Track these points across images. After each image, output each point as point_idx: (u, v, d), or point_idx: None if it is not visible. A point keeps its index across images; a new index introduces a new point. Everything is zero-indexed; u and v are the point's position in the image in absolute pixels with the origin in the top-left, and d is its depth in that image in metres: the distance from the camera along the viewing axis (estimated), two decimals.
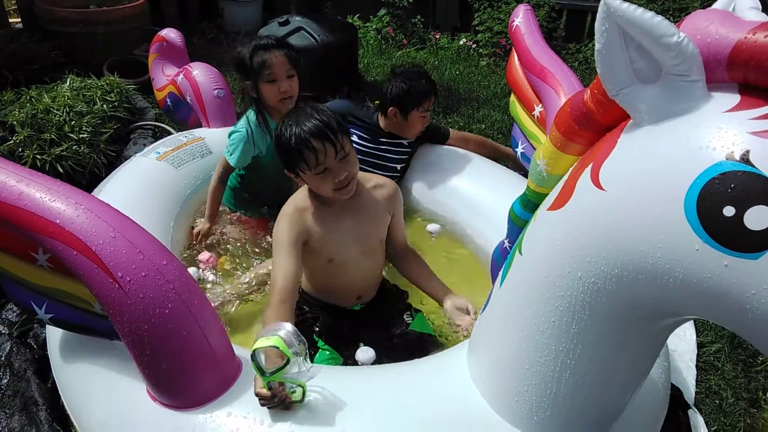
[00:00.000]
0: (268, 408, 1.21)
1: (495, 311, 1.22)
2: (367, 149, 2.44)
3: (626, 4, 0.81)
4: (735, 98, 0.82)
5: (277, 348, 1.15)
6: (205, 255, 2.14)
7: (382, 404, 1.26)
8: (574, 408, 1.14)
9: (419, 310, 1.85)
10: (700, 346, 2.03)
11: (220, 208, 2.30)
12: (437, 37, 5.17)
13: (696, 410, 1.76)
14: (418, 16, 5.20)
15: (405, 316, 1.78)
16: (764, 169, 0.75)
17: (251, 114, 2.16)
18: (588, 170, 0.96)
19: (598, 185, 0.92)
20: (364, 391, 1.30)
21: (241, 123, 2.17)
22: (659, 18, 0.80)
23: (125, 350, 1.25)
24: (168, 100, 2.82)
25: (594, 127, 1.02)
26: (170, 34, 2.85)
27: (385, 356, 1.61)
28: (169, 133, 3.02)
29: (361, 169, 2.35)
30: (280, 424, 1.20)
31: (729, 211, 0.76)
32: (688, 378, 1.91)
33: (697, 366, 1.96)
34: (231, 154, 2.16)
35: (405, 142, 2.45)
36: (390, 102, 2.34)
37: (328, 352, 1.68)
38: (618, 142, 0.93)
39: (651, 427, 1.41)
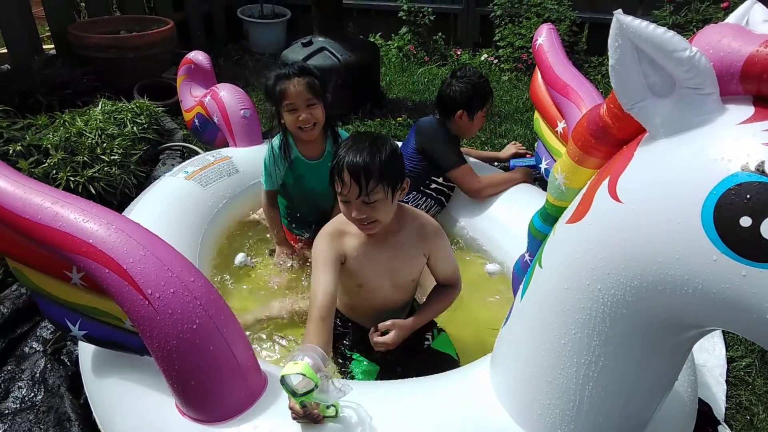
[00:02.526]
0: (299, 422, 1.23)
1: (516, 324, 1.22)
2: None
3: (638, 20, 0.83)
4: (749, 110, 0.83)
5: (305, 375, 1.16)
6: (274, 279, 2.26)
7: (408, 418, 1.28)
8: (597, 421, 1.13)
9: (443, 330, 1.86)
10: (729, 360, 1.99)
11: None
12: (458, 53, 5.21)
13: (726, 426, 1.72)
14: (439, 33, 5.25)
15: (426, 335, 1.80)
16: None
17: (275, 140, 2.21)
18: (605, 183, 0.97)
19: (615, 198, 0.93)
20: (390, 405, 1.31)
21: (267, 149, 2.23)
22: (671, 33, 0.81)
23: (155, 365, 1.29)
24: (196, 121, 2.89)
25: (610, 140, 1.03)
26: (198, 56, 2.94)
27: (405, 373, 1.62)
28: (197, 153, 3.09)
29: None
30: None
31: (746, 221, 0.76)
32: (717, 393, 1.88)
33: (727, 381, 1.92)
34: (263, 179, 2.26)
35: None
36: (457, 105, 2.37)
37: (365, 363, 1.72)
38: (634, 155, 0.94)
39: None
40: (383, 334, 1.61)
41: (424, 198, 2.45)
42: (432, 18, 5.18)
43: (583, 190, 1.06)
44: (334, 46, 3.95)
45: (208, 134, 2.88)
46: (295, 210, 2.35)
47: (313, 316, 1.49)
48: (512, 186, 2.42)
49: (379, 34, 5.46)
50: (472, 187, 2.38)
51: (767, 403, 1.84)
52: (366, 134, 1.57)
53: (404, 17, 5.22)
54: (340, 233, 1.63)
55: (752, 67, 0.80)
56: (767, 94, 0.82)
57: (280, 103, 2.09)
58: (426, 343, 1.80)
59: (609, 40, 0.87)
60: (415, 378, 1.43)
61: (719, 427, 1.71)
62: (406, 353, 1.75)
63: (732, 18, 0.99)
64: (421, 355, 1.76)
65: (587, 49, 4.88)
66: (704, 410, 1.75)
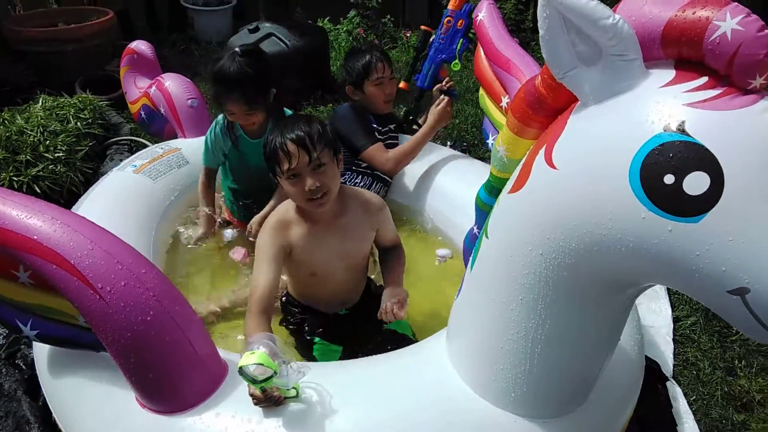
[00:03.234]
0: (261, 407, 1.25)
1: (467, 295, 1.26)
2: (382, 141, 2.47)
3: None
4: (671, 74, 0.87)
5: (262, 364, 1.17)
6: (239, 251, 2.23)
7: (367, 395, 1.30)
8: (549, 382, 1.18)
9: None
10: (676, 320, 2.09)
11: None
12: (408, 35, 5.21)
13: (674, 382, 1.82)
14: (388, 16, 5.24)
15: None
16: (699, 138, 0.80)
17: (219, 118, 2.21)
18: (542, 151, 1.00)
19: (551, 165, 0.97)
20: (349, 383, 1.33)
21: (210, 128, 2.24)
22: (594, 2, 0.85)
23: (111, 361, 1.28)
24: (142, 113, 2.83)
25: (546, 111, 1.06)
26: (140, 45, 2.87)
27: (365, 354, 1.64)
28: (146, 146, 3.02)
29: None
30: (267, 420, 1.23)
31: (669, 179, 0.81)
32: (666, 352, 1.97)
33: (674, 340, 2.02)
34: (202, 156, 2.27)
35: (392, 127, 2.54)
36: (346, 82, 2.44)
37: (326, 345, 1.74)
38: (567, 123, 0.98)
39: (626, 398, 1.46)
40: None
41: (361, 177, 2.45)
42: (380, 0, 5.16)
43: (523, 161, 1.09)
44: (282, 31, 3.91)
45: (156, 126, 2.82)
46: (241, 192, 2.34)
47: (253, 310, 1.50)
48: (426, 142, 2.42)
49: (328, 18, 5.41)
50: (383, 166, 2.37)
51: (712, 358, 1.94)
52: (289, 117, 1.60)
53: (352, 0, 5.18)
54: (284, 224, 1.62)
55: (671, 31, 0.84)
56: (687, 57, 0.86)
57: (219, 104, 2.07)
58: (384, 324, 1.82)
59: (538, 11, 0.90)
60: (374, 356, 1.46)
61: (668, 383, 1.80)
62: (366, 335, 1.77)
63: None
64: (379, 337, 1.78)
65: (533, 27, 4.94)
66: (653, 368, 1.83)
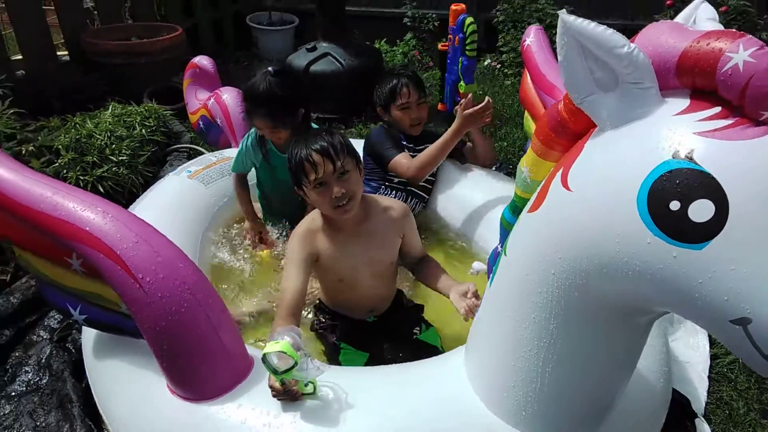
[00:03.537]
0: (279, 399, 1.31)
1: (484, 312, 1.29)
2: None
3: (581, 19, 0.89)
4: (685, 102, 0.89)
5: (285, 353, 1.24)
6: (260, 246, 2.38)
7: (383, 400, 1.34)
8: (559, 402, 1.19)
9: (432, 324, 1.93)
10: (713, 357, 2.03)
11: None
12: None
13: (703, 419, 1.76)
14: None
15: (414, 329, 1.86)
16: (706, 166, 0.81)
17: (252, 130, 2.32)
18: (559, 174, 1.03)
19: (566, 187, 1.00)
20: (366, 387, 1.38)
21: (243, 140, 2.36)
22: (611, 31, 0.88)
23: (148, 348, 1.37)
24: (200, 123, 2.99)
25: (568, 134, 1.10)
26: (202, 61, 3.04)
27: (392, 362, 1.68)
28: (202, 154, 3.18)
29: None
30: (284, 414, 1.29)
31: (675, 205, 0.82)
32: (699, 389, 1.91)
33: (709, 377, 1.96)
34: (232, 164, 2.42)
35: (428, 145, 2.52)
36: (376, 104, 2.52)
37: (353, 352, 1.79)
38: (585, 146, 1.00)
39: (645, 429, 1.44)
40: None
41: (395, 192, 2.49)
42: (436, 24, 5.26)
43: (543, 182, 1.12)
44: (338, 51, 4.04)
45: (212, 136, 2.98)
46: (272, 205, 2.43)
47: (281, 313, 1.57)
48: (449, 147, 2.30)
49: (385, 39, 5.55)
50: (406, 173, 2.34)
51: (747, 398, 1.88)
52: (308, 131, 1.70)
53: (409, 23, 5.30)
54: (311, 232, 1.70)
55: (686, 61, 0.87)
56: (701, 87, 0.88)
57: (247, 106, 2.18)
58: (414, 335, 1.86)
59: (557, 38, 0.94)
60: (394, 364, 1.50)
61: (696, 420, 1.75)
62: (394, 343, 1.81)
63: (681, 16, 1.06)
64: (408, 346, 1.82)
65: None
66: (683, 403, 1.79)
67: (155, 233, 1.35)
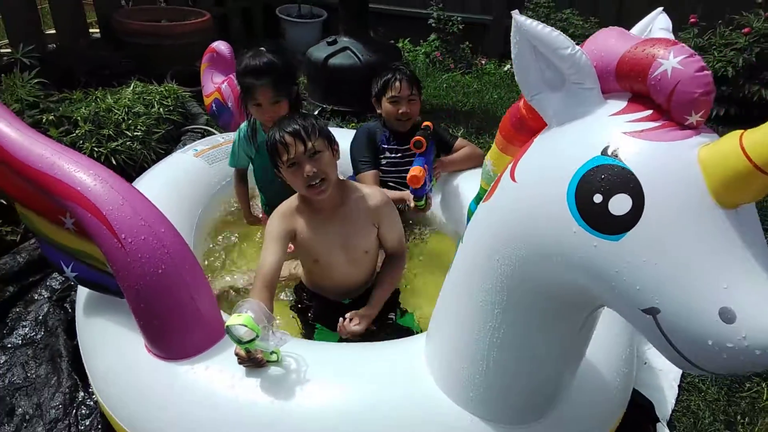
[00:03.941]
0: (244, 366, 1.39)
1: (443, 296, 1.35)
2: (398, 158, 2.56)
3: (531, 20, 0.95)
4: (622, 104, 0.94)
5: (246, 326, 1.30)
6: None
7: (340, 372, 1.41)
8: (504, 386, 1.24)
9: (407, 310, 1.99)
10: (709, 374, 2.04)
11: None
12: (483, 62, 5.31)
13: (665, 425, 1.79)
14: (467, 42, 5.37)
15: (389, 315, 1.91)
16: (628, 163, 0.87)
17: (244, 125, 2.36)
18: (510, 166, 1.09)
19: (513, 178, 1.05)
20: (328, 360, 1.45)
21: (236, 133, 2.40)
22: (557, 33, 0.94)
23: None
24: (213, 105, 3.09)
25: (527, 130, 1.15)
26: (220, 46, 3.14)
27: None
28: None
29: (403, 178, 2.39)
30: (248, 378, 1.37)
31: (598, 198, 0.88)
32: (669, 396, 1.94)
33: (680, 386, 1.98)
34: (228, 159, 2.46)
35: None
36: (372, 95, 2.57)
37: (327, 332, 1.85)
38: (534, 141, 1.06)
39: (599, 425, 1.48)
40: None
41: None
42: (461, 27, 5.31)
43: (498, 175, 1.18)
44: (357, 46, 4.12)
45: (224, 118, 3.08)
46: (269, 196, 2.47)
47: (257, 285, 1.65)
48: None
49: (408, 39, 5.61)
50: None
51: (714, 409, 1.90)
52: (283, 116, 1.76)
53: (434, 24, 5.36)
54: (291, 211, 1.78)
55: (623, 66, 0.92)
56: (637, 91, 0.93)
57: (247, 97, 2.19)
58: (390, 320, 1.93)
59: (511, 37, 0.99)
60: (359, 343, 1.57)
61: (658, 425, 1.78)
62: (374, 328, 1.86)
63: (639, 25, 1.11)
64: (384, 329, 1.87)
65: None
66: (646, 407, 1.82)
67: (140, 198, 1.44)
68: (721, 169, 0.81)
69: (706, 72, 0.84)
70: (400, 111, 2.46)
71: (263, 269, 1.67)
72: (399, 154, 2.54)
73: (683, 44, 0.87)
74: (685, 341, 0.85)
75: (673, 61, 0.85)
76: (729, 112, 4.10)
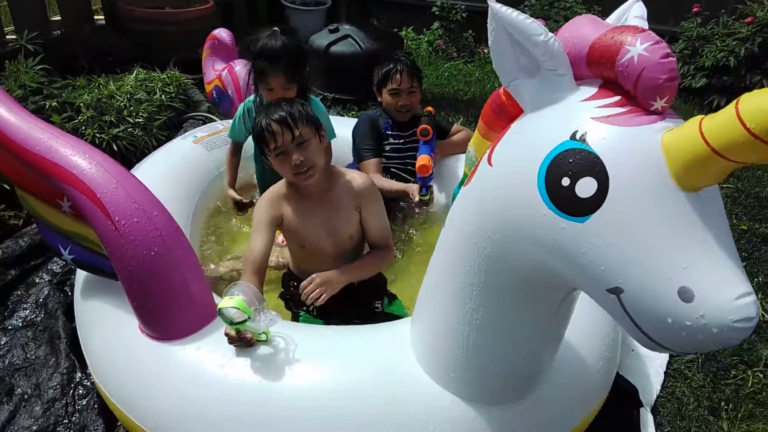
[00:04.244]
0: (234, 346, 1.43)
1: (425, 279, 1.38)
2: (401, 144, 2.59)
3: (507, 8, 0.97)
4: (593, 90, 0.97)
5: (238, 308, 1.34)
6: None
7: (327, 353, 1.45)
8: (484, 367, 1.28)
9: (396, 296, 2.00)
10: (673, 355, 2.07)
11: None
12: (485, 51, 5.31)
13: (648, 410, 1.82)
14: (470, 31, 5.36)
15: (375, 303, 1.92)
16: (595, 147, 0.89)
17: (250, 99, 2.39)
18: (488, 151, 1.11)
19: (490, 163, 1.08)
20: (316, 341, 1.49)
21: (241, 105, 2.41)
22: (531, 20, 0.96)
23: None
24: (214, 93, 3.13)
25: (507, 116, 1.17)
26: (221, 33, 3.16)
27: None
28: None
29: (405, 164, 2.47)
30: (237, 358, 1.42)
31: (565, 181, 0.90)
32: (654, 383, 1.97)
33: (666, 372, 2.01)
34: (229, 130, 2.48)
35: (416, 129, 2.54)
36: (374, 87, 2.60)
37: (308, 318, 1.87)
38: (510, 127, 1.09)
39: (576, 407, 1.51)
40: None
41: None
42: (464, 15, 5.30)
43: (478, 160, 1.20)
44: (359, 34, 4.13)
45: (224, 105, 3.11)
46: (266, 176, 2.49)
47: (246, 271, 1.68)
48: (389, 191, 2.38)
49: (412, 27, 5.61)
50: None
51: (699, 395, 1.93)
52: (270, 103, 1.74)
53: (437, 12, 5.36)
54: (278, 197, 1.79)
55: (593, 53, 0.94)
56: (607, 77, 0.95)
57: (260, 81, 2.20)
58: (377, 309, 1.92)
59: (487, 24, 1.02)
60: (348, 326, 1.61)
61: (641, 410, 1.81)
62: (356, 314, 1.85)
63: (616, 13, 1.13)
64: (374, 320, 1.86)
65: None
66: (630, 392, 1.85)
67: (134, 181, 1.48)
68: (682, 154, 0.83)
69: (670, 59, 0.86)
70: (400, 103, 2.49)
71: (252, 255, 1.70)
72: (402, 140, 2.57)
73: (650, 31, 0.90)
74: (647, 320, 0.87)
75: (640, 47, 0.87)
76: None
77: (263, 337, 1.43)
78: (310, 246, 1.82)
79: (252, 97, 2.39)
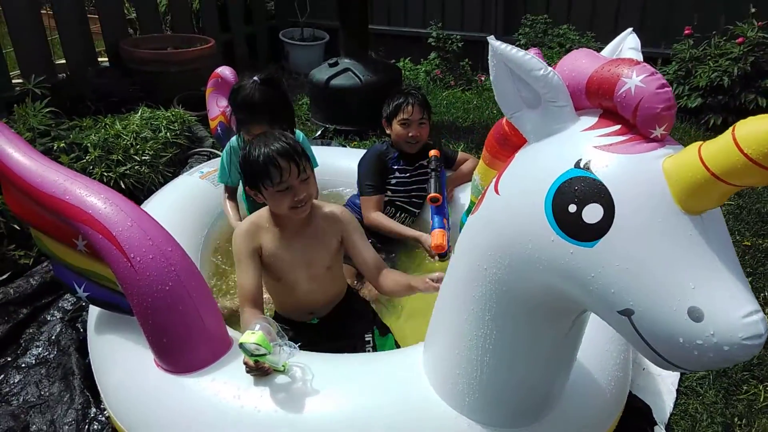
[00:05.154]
0: (252, 375, 1.44)
1: (438, 306, 1.40)
2: (407, 178, 2.63)
3: (505, 44, 1.02)
4: (594, 120, 1.01)
5: (260, 345, 1.36)
6: None
7: (343, 382, 1.47)
8: (497, 391, 1.30)
9: (389, 329, 1.98)
10: (684, 372, 2.08)
11: None
12: (482, 79, 5.41)
13: (662, 428, 1.83)
14: (466, 60, 5.47)
15: (366, 337, 1.88)
16: (599, 175, 0.93)
17: (234, 139, 2.43)
18: (494, 180, 1.15)
19: (497, 191, 1.12)
20: (331, 370, 1.51)
21: (225, 148, 2.46)
22: (530, 56, 1.01)
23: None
24: (218, 129, 3.18)
25: (510, 146, 1.22)
26: (224, 71, 3.24)
27: None
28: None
29: (411, 197, 2.51)
30: (253, 388, 1.43)
31: (572, 208, 0.94)
32: (667, 401, 1.98)
33: (678, 390, 2.02)
34: (217, 175, 2.52)
35: (425, 162, 2.58)
36: (382, 119, 2.64)
37: None
38: (515, 157, 1.13)
39: (594, 427, 1.52)
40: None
41: (385, 206, 2.60)
42: (460, 44, 5.41)
43: (484, 189, 1.24)
44: (358, 67, 4.22)
45: (228, 141, 3.16)
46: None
47: (246, 308, 1.65)
48: (397, 234, 2.46)
49: (409, 58, 5.72)
50: (363, 213, 2.53)
51: (713, 413, 1.93)
52: (261, 134, 1.71)
53: (434, 43, 5.47)
54: (256, 227, 1.74)
55: (592, 84, 0.99)
56: (606, 107, 1.00)
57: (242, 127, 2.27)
58: (368, 347, 1.87)
59: (488, 60, 1.06)
60: (360, 353, 1.63)
61: (656, 428, 1.82)
62: (341, 346, 1.78)
63: (611, 45, 1.17)
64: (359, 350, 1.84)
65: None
66: (644, 411, 1.86)
67: (148, 219, 1.52)
68: (683, 178, 0.87)
69: (666, 89, 0.91)
70: (410, 134, 2.54)
71: (244, 291, 1.68)
72: (407, 174, 2.62)
73: (645, 64, 0.94)
74: (658, 340, 0.90)
75: (636, 79, 0.92)
76: (727, 120, 4.15)
77: (281, 368, 1.45)
78: (285, 278, 1.78)
79: (234, 138, 2.43)
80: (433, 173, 2.38)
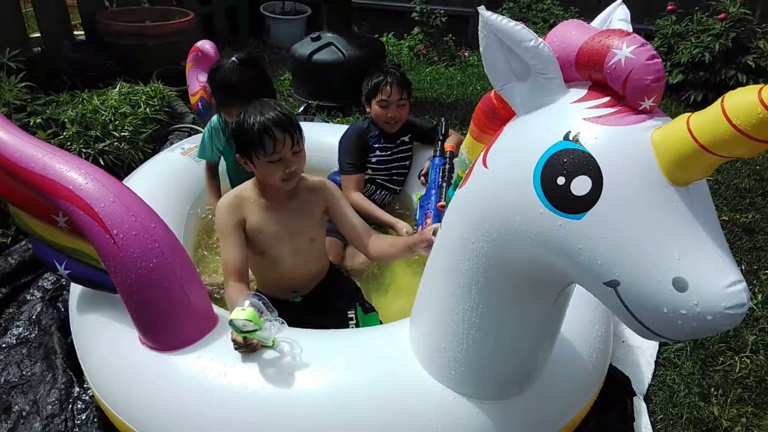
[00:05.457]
0: (240, 351, 1.44)
1: (424, 280, 1.41)
2: (387, 156, 2.62)
3: (496, 15, 1.01)
4: (583, 92, 1.00)
5: (251, 321, 1.35)
6: None
7: (330, 357, 1.47)
8: (483, 363, 1.31)
9: (373, 307, 1.99)
10: (663, 344, 2.13)
11: None
12: (466, 54, 5.37)
13: (641, 398, 1.87)
14: (450, 35, 5.43)
15: (349, 313, 1.87)
16: (588, 147, 0.93)
17: (214, 119, 2.41)
18: (482, 153, 1.15)
19: (485, 165, 1.11)
20: (319, 344, 1.51)
21: (207, 126, 2.44)
22: (520, 26, 0.99)
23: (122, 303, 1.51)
24: (199, 104, 3.12)
25: (499, 119, 1.21)
26: (205, 45, 3.16)
27: None
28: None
29: (391, 175, 2.49)
30: (239, 365, 1.43)
31: (561, 180, 0.94)
32: (645, 372, 2.02)
33: (656, 362, 2.06)
34: (197, 151, 2.50)
35: (406, 139, 2.62)
36: (362, 97, 2.60)
37: None
38: (504, 129, 1.12)
39: (573, 398, 1.55)
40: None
41: (366, 184, 2.60)
42: (444, 20, 5.36)
43: (472, 163, 1.24)
44: (341, 41, 4.16)
45: (209, 116, 3.09)
46: (239, 174, 2.43)
47: (230, 282, 1.63)
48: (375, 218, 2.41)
49: (393, 33, 5.66)
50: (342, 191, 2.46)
51: (690, 383, 1.98)
52: (256, 101, 1.65)
53: (417, 18, 5.41)
54: (239, 200, 1.72)
55: (582, 56, 0.98)
56: (596, 79, 0.99)
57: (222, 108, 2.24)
58: (351, 323, 1.85)
59: (479, 30, 1.05)
60: (347, 329, 1.63)
61: (635, 398, 1.86)
62: (326, 324, 1.75)
63: (600, 16, 1.16)
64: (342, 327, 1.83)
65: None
66: (624, 382, 1.90)
67: (131, 194, 1.49)
68: (672, 150, 0.87)
69: (656, 60, 0.90)
70: (389, 115, 2.50)
71: (229, 264, 1.65)
72: (388, 152, 2.61)
73: (635, 35, 0.94)
74: (643, 310, 0.91)
75: (626, 50, 0.91)
76: (707, 96, 4.19)
77: (270, 343, 1.45)
78: (270, 253, 1.76)
79: (215, 118, 2.40)
80: (444, 178, 2.27)
